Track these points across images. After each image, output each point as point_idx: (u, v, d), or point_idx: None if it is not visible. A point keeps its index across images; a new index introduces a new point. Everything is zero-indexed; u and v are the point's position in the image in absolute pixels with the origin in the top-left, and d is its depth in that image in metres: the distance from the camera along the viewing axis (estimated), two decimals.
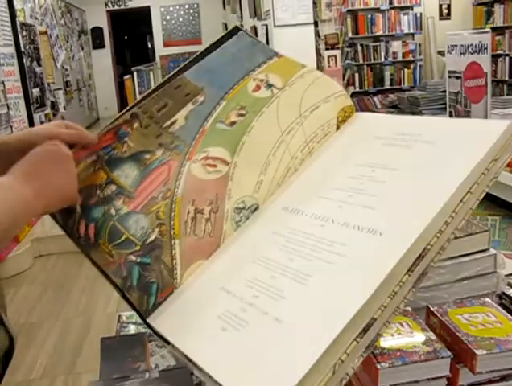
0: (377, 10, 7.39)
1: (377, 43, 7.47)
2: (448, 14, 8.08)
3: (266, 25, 6.17)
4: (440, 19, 7.89)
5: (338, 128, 0.82)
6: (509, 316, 0.99)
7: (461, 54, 1.85)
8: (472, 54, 1.77)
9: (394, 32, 7.41)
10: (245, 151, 0.77)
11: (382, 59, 7.45)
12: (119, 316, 1.13)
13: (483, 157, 0.63)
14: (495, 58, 6.78)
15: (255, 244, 0.70)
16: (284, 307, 0.58)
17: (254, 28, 7.05)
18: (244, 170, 0.75)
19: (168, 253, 0.69)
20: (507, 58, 7.13)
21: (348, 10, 7.26)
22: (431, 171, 0.66)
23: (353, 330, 0.52)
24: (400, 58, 7.49)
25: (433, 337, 0.86)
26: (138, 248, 0.69)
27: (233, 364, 0.55)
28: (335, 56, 5.75)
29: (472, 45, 1.76)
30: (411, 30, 7.47)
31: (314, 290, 0.58)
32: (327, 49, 5.72)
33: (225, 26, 10.74)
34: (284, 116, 0.80)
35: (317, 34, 5.63)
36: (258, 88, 0.82)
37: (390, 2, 7.39)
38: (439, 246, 0.60)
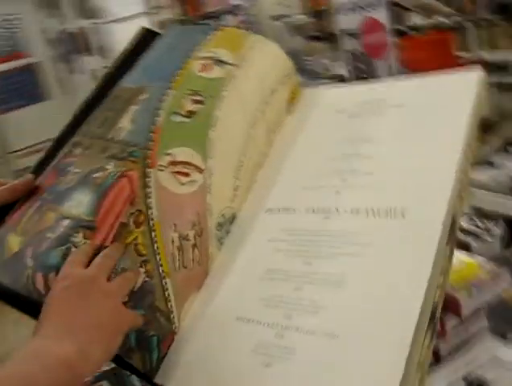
0: None
1: (208, 20, 7.43)
2: None
3: (97, 23, 5.85)
4: None
5: (288, 111, 0.75)
6: (465, 256, 1.03)
7: (351, 10, 1.84)
8: (364, 9, 1.78)
9: (224, 6, 7.42)
10: (216, 152, 0.65)
11: None
12: None
13: (470, 110, 0.59)
14: None
15: (252, 259, 0.61)
16: (331, 318, 0.51)
17: (82, 29, 6.64)
18: (219, 176, 0.64)
19: (162, 297, 0.57)
20: None
21: None
22: (423, 135, 0.61)
23: (423, 322, 0.47)
24: None
25: None
26: (126, 298, 0.55)
27: None
28: None
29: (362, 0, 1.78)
30: (240, 2, 7.53)
31: (356, 290, 0.51)
32: None
33: (46, 32, 10.04)
34: (248, 102, 0.69)
35: (153, 22, 5.47)
36: (205, 67, 0.70)
37: None
38: (461, 208, 0.56)
